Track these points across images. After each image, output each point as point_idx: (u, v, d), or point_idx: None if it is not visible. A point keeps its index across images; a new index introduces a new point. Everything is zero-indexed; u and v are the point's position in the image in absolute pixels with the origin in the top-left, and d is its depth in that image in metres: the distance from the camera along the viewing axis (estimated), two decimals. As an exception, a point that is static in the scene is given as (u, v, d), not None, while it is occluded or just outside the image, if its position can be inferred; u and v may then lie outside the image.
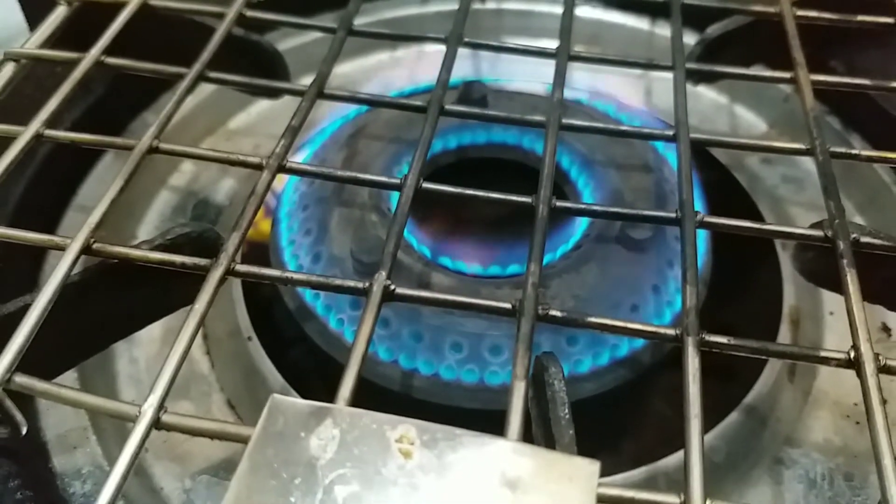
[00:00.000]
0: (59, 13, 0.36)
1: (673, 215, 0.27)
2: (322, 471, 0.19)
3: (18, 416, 0.26)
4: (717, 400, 0.33)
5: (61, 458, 0.30)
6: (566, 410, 0.23)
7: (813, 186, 0.44)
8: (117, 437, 0.32)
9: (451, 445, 0.20)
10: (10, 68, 0.34)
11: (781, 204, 0.43)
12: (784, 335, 0.35)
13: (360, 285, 0.24)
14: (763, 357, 0.23)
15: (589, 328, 0.24)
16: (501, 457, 0.19)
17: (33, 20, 0.45)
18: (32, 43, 0.35)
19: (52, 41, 0.35)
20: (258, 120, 0.46)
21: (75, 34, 0.36)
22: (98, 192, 0.40)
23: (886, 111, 0.42)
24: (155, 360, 0.35)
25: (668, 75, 0.33)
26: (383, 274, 0.24)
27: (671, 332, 0.23)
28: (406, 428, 0.20)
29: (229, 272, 0.24)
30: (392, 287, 0.24)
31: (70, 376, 0.32)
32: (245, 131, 0.46)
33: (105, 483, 0.20)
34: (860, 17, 0.37)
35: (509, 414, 0.21)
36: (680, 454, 0.31)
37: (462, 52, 0.34)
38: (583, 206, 0.29)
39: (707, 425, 0.32)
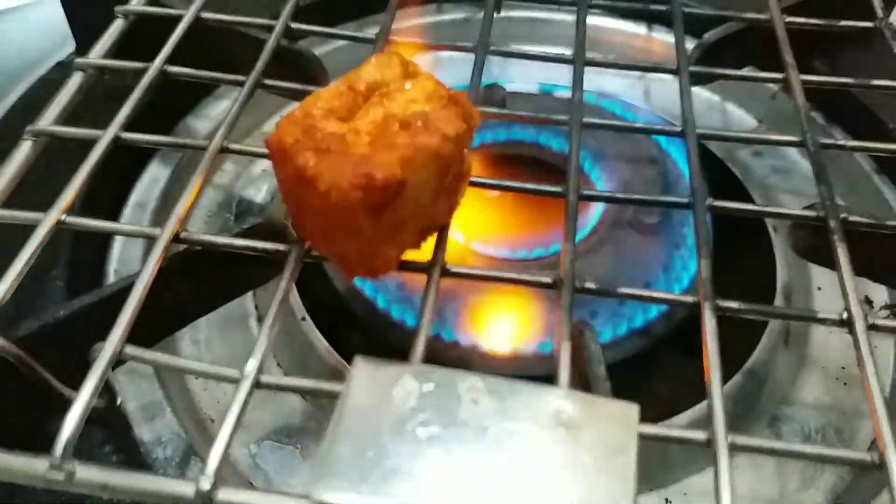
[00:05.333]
0: (117, 26, 0.39)
1: (686, 200, 0.31)
2: (406, 416, 0.23)
3: (115, 388, 0.29)
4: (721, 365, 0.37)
5: (142, 427, 0.34)
6: (602, 367, 0.27)
7: (798, 175, 0.48)
8: (189, 408, 0.35)
9: (512, 393, 0.23)
10: (78, 77, 0.37)
11: (771, 191, 0.47)
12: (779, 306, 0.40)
13: (423, 264, 0.28)
14: (768, 318, 0.27)
15: (620, 298, 0.28)
16: (555, 401, 0.23)
17: (78, 29, 0.48)
18: (95, 54, 0.38)
19: (113, 52, 0.39)
20: (289, 122, 0.50)
21: (125, 45, 0.40)
22: (151, 190, 0.44)
23: (865, 106, 0.46)
24: (213, 342, 0.39)
25: (665, 76, 0.37)
26: (440, 255, 0.28)
27: (690, 299, 0.27)
28: (473, 379, 0.24)
29: (307, 255, 0.28)
30: (448, 266, 0.28)
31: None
32: (278, 132, 0.49)
33: (182, 446, 0.22)
34: (843, 22, 0.41)
35: (558, 367, 0.25)
36: (689, 412, 0.35)
37: (462, 56, 0.37)
38: (607, 194, 0.33)
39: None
